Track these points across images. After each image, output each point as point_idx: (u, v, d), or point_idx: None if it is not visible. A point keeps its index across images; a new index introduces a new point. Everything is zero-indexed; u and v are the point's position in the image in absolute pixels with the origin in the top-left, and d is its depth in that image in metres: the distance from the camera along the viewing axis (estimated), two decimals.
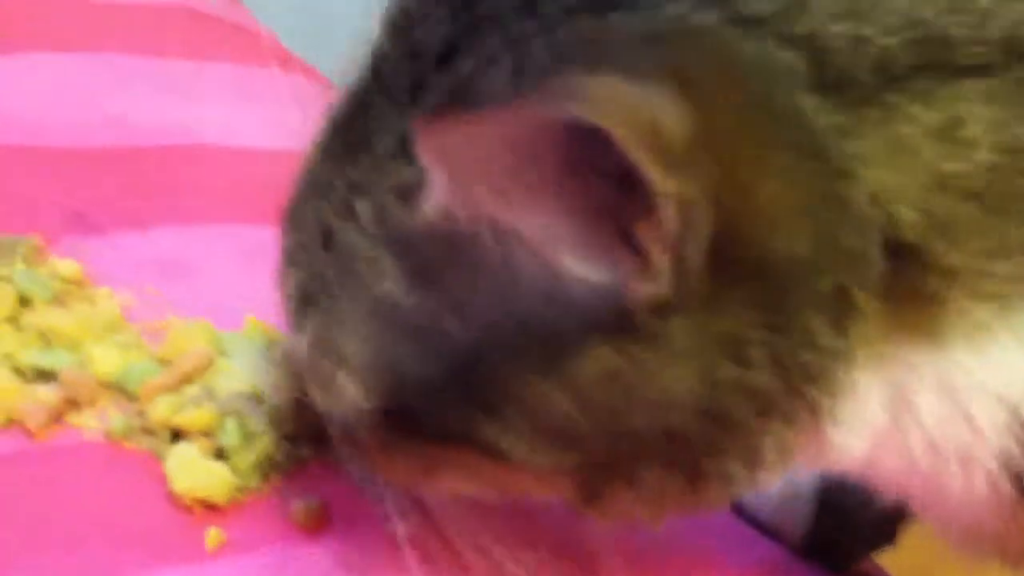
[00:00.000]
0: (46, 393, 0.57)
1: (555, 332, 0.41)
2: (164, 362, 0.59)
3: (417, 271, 0.42)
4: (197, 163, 0.77)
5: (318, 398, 0.46)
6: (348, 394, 0.45)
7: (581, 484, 0.45)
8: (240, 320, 0.62)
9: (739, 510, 0.63)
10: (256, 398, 0.57)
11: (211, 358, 0.59)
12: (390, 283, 0.43)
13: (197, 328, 0.61)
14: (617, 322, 0.40)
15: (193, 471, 0.53)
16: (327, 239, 0.45)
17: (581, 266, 0.40)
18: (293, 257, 0.47)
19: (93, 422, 0.57)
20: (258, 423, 0.55)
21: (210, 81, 0.86)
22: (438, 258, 0.42)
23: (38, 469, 0.54)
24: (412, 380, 0.43)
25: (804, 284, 0.40)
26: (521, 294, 0.41)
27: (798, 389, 0.41)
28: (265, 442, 0.55)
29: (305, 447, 0.56)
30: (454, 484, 0.48)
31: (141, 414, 0.57)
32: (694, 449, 0.43)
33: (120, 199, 0.71)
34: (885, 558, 0.63)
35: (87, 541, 0.50)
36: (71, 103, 0.79)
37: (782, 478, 0.47)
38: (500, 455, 0.44)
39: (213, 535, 0.51)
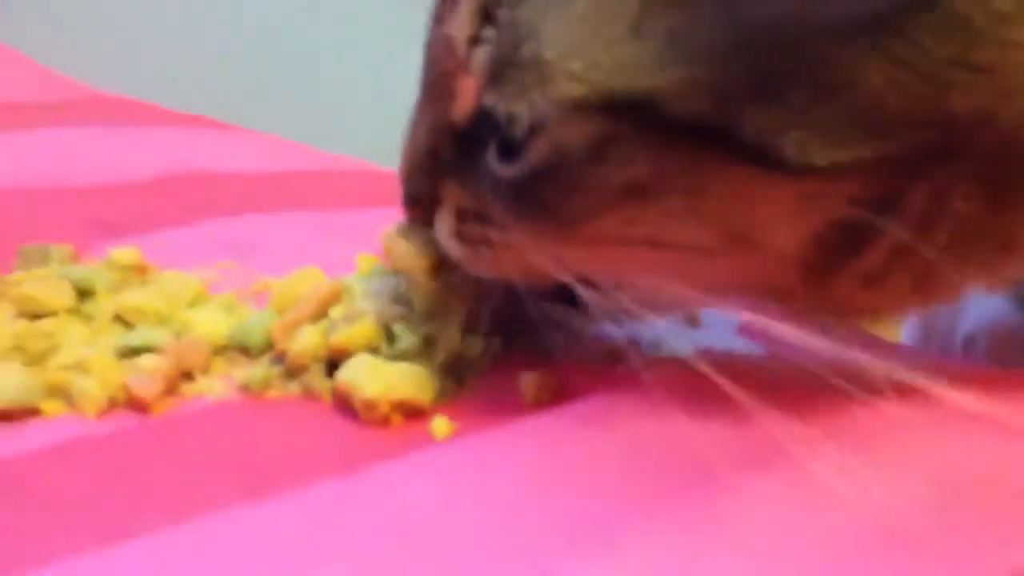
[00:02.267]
0: (152, 361, 0.45)
1: None
2: (281, 312, 0.48)
3: None
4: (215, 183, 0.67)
5: (511, 106, 0.36)
6: (560, 85, 0.35)
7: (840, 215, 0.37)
8: (346, 269, 0.52)
9: None
10: (410, 305, 0.46)
11: (342, 286, 0.48)
12: None
13: (306, 275, 0.50)
14: None
15: (384, 373, 0.41)
16: None
17: None
18: None
19: (216, 386, 0.45)
20: (432, 326, 0.44)
21: None
22: None
23: (164, 439, 0.41)
24: (676, 58, 0.34)
25: None
26: None
27: None
28: (449, 338, 0.44)
29: (493, 339, 0.45)
30: (668, 222, 0.37)
31: (278, 360, 0.45)
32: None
33: (152, 210, 0.60)
34: None
35: (281, 480, 0.38)
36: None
37: None
38: (764, 154, 0.35)
39: (441, 424, 0.40)
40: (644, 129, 0.35)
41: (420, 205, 0.42)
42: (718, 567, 0.31)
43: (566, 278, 0.39)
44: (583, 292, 0.39)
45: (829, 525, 0.33)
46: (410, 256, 0.44)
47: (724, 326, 0.50)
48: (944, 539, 0.32)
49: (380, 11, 1.24)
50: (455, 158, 0.40)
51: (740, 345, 0.48)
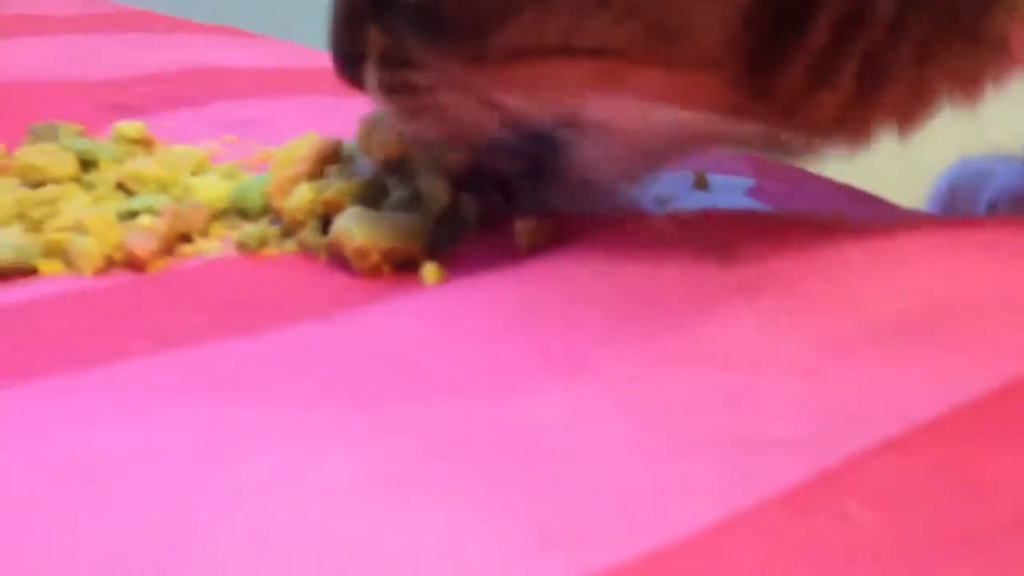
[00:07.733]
0: (150, 222, 0.45)
1: None
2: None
3: None
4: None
5: None
6: None
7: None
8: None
9: None
10: (404, 165, 0.45)
11: (339, 145, 0.47)
12: None
13: (305, 141, 0.49)
14: None
15: (374, 223, 0.41)
16: None
17: None
18: None
19: (214, 246, 0.45)
20: (425, 181, 0.44)
21: None
22: None
23: (158, 290, 0.41)
24: None
25: None
26: None
27: None
28: (441, 194, 0.43)
29: (492, 196, 0.44)
30: (578, 22, 0.36)
31: (276, 221, 0.45)
32: None
33: (163, 95, 0.60)
34: None
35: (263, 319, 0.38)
36: None
37: None
38: None
39: (430, 270, 0.39)
40: None
41: (350, 63, 0.42)
42: (689, 380, 0.31)
43: (496, 126, 0.38)
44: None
45: (806, 341, 0.32)
46: (383, 144, 0.45)
47: (733, 189, 0.49)
48: (929, 351, 0.32)
49: None
50: (375, 3, 0.40)
51: (748, 205, 0.47)
